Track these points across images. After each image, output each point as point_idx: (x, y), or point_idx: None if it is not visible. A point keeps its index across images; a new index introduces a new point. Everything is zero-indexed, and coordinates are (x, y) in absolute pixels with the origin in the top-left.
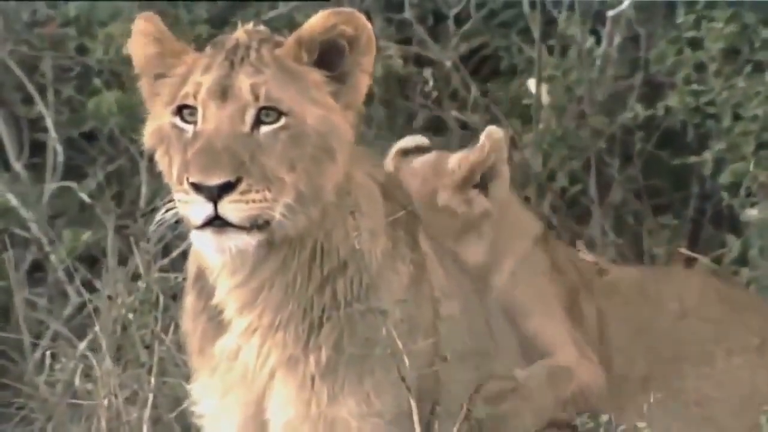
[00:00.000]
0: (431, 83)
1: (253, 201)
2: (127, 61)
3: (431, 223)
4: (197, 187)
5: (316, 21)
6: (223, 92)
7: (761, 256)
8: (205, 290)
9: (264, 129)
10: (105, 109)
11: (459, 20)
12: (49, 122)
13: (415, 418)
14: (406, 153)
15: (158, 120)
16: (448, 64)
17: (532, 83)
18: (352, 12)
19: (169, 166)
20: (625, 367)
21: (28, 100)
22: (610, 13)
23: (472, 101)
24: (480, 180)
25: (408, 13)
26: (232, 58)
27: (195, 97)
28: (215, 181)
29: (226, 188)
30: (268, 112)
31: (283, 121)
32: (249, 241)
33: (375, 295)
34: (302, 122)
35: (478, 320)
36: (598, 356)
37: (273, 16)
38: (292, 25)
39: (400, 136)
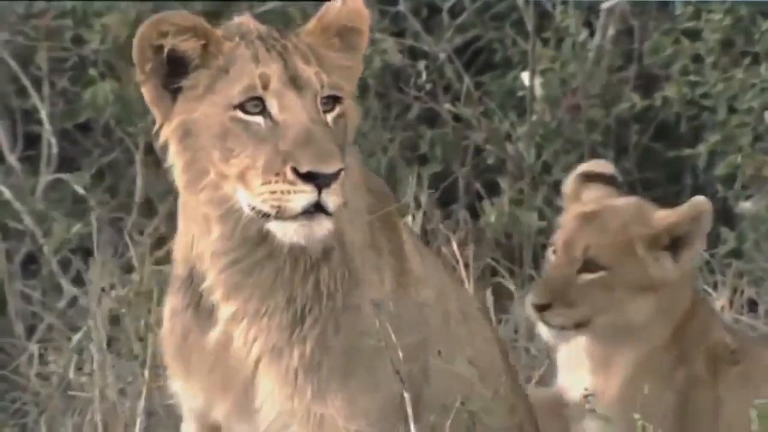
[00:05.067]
0: (425, 76)
1: (341, 188)
2: (123, 51)
3: (623, 270)
4: (310, 176)
5: (341, 7)
6: (294, 81)
7: (755, 249)
8: (192, 289)
9: (328, 117)
10: (101, 99)
11: (453, 12)
12: (43, 114)
13: (409, 411)
14: (588, 177)
15: (184, 114)
16: (442, 56)
17: (525, 76)
18: None
19: (224, 159)
20: None
21: (23, 92)
22: (604, 5)
23: (466, 94)
24: (671, 244)
25: (402, 6)
26: (270, 47)
27: (265, 88)
28: (333, 168)
29: (336, 176)
30: (326, 101)
31: (338, 109)
32: (331, 227)
33: (356, 289)
34: (348, 109)
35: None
36: None
37: (266, 10)
38: (286, 19)
39: (394, 129)
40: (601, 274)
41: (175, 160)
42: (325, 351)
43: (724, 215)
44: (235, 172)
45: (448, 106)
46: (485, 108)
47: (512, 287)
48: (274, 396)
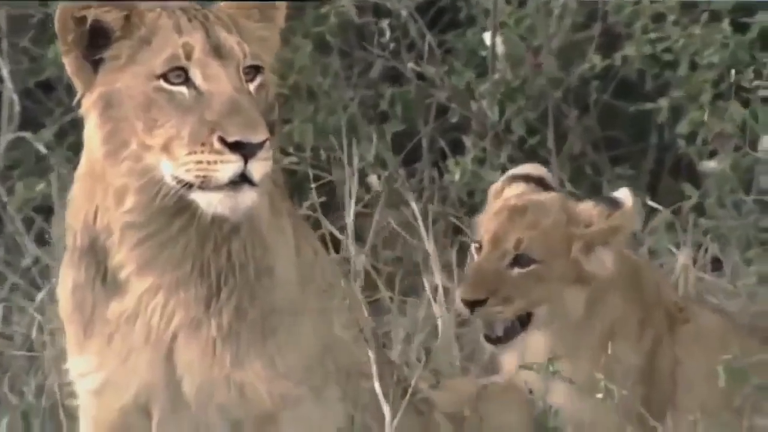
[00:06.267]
0: (388, 34)
1: (270, 158)
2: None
3: (556, 264)
4: (237, 146)
5: None
6: (217, 51)
7: (719, 206)
8: (95, 261)
9: (250, 87)
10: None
11: None
12: (4, 72)
13: (374, 369)
14: (514, 179)
15: (106, 86)
16: (405, 14)
17: (487, 36)
18: None
19: (147, 130)
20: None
21: None
22: None
23: (429, 52)
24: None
25: None
26: (192, 17)
27: (188, 57)
28: (260, 138)
29: (261, 146)
30: (248, 70)
31: (259, 79)
32: (256, 198)
33: (266, 254)
34: (267, 80)
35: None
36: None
37: None
38: None
39: (356, 87)
40: (533, 267)
41: (94, 131)
42: (242, 320)
43: (688, 172)
44: (159, 142)
45: (410, 65)
46: (448, 66)
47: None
48: (193, 368)
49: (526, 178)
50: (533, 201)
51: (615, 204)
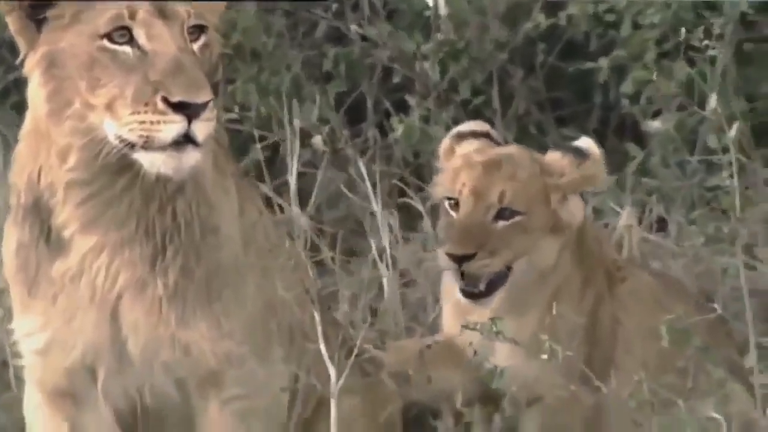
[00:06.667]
0: None
1: (213, 118)
2: None
3: (536, 214)
4: (181, 106)
5: None
6: (161, 11)
7: (663, 166)
8: (39, 220)
9: (194, 46)
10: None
11: None
12: None
13: (319, 330)
14: (461, 136)
15: (50, 45)
16: None
17: None
18: None
19: (91, 89)
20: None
21: None
22: None
23: (373, 13)
24: None
25: None
26: None
27: (132, 17)
28: (204, 98)
29: (205, 106)
30: (192, 30)
31: (203, 39)
32: (200, 159)
33: (211, 213)
34: (212, 40)
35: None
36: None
37: None
38: None
39: (300, 47)
40: (517, 219)
41: (38, 91)
42: (188, 279)
43: (633, 132)
44: (103, 102)
45: (354, 26)
46: (392, 27)
47: (419, 207)
48: (139, 327)
49: (474, 135)
50: (503, 154)
51: (581, 153)
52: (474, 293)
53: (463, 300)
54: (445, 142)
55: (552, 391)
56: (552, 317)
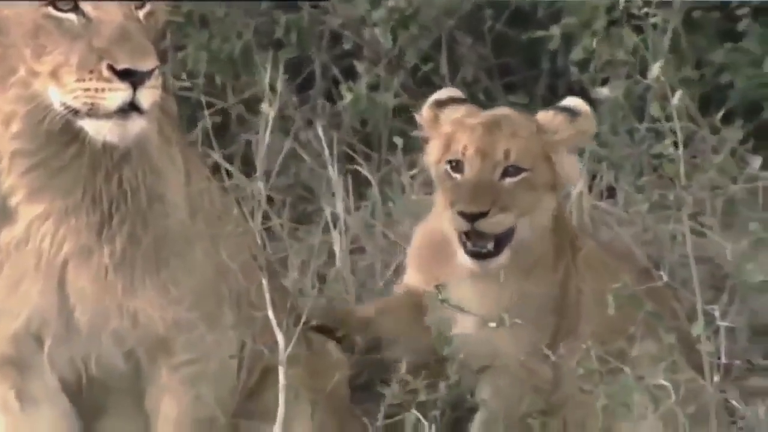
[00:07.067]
0: None
1: (159, 86)
2: None
3: (540, 171)
4: (126, 74)
5: None
6: None
7: (612, 133)
8: None
9: (139, 14)
10: None
11: None
12: None
13: (268, 297)
14: (440, 104)
15: None
16: None
17: None
18: None
19: (36, 56)
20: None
21: None
22: None
23: None
24: None
25: None
26: None
27: None
28: (149, 66)
29: (150, 74)
30: None
31: (148, 6)
32: (145, 126)
33: (158, 181)
34: (157, 7)
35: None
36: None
37: None
38: None
39: (251, 14)
40: (523, 175)
41: None
42: (135, 247)
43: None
44: (47, 69)
45: None
46: None
47: (368, 174)
48: (86, 295)
49: (453, 101)
50: (500, 114)
51: (571, 111)
52: (482, 253)
53: (469, 263)
54: (426, 111)
55: (515, 361)
56: (525, 286)
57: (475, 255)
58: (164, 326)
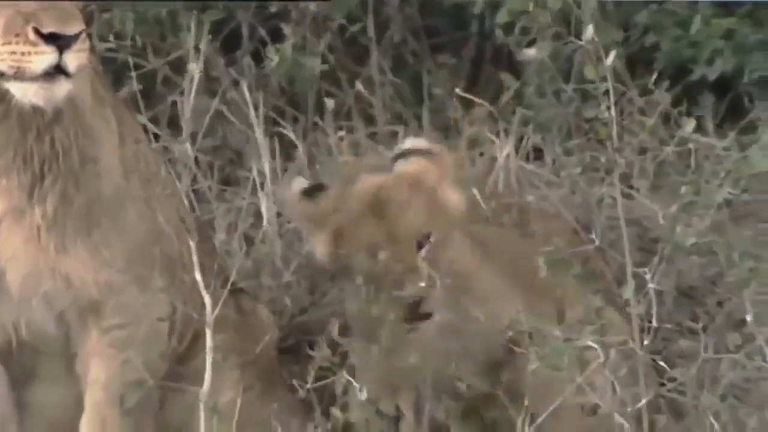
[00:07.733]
0: None
1: (86, 49)
2: None
3: None
4: (52, 37)
5: None
6: None
7: (538, 95)
8: None
9: None
10: None
11: None
12: None
13: (195, 259)
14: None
15: None
16: None
17: None
18: None
19: None
20: None
21: None
22: None
23: None
24: None
25: None
26: None
27: None
28: (75, 29)
29: (77, 37)
30: None
31: None
32: (72, 89)
33: (91, 143)
34: None
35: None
36: None
37: None
38: None
39: None
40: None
41: None
42: (67, 207)
43: (509, 61)
44: None
45: None
46: None
47: (293, 136)
48: (17, 257)
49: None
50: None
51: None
52: None
53: None
54: None
55: None
56: None
57: None
58: (96, 289)
